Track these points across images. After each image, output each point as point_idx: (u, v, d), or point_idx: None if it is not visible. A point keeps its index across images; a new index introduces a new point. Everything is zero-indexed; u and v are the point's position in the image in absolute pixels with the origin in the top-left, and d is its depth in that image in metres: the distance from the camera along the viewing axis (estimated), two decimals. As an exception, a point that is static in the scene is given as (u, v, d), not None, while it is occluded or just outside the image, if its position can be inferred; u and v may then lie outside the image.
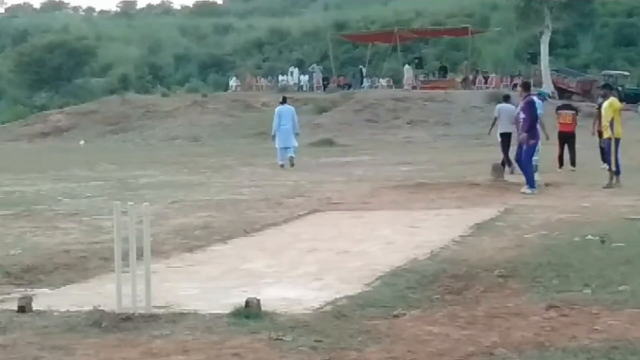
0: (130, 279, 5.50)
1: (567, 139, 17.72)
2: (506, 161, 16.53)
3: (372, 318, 5.23)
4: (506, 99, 18.01)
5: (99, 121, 41.73)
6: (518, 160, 13.88)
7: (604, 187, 13.25)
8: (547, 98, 15.19)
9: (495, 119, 17.42)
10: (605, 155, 16.68)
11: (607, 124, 13.72)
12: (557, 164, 17.39)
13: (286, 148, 20.30)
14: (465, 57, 49.98)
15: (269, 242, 8.78)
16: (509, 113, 16.37)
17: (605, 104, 14.06)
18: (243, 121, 37.47)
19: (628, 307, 5.35)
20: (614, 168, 13.56)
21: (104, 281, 6.61)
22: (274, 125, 20.68)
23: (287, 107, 21.13)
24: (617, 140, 13.70)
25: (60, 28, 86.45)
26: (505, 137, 16.86)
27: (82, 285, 6.67)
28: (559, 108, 19.31)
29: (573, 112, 18.64)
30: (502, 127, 17.09)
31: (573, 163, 17.44)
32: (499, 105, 17.74)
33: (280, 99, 22.38)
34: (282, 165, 20.02)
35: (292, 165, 19.95)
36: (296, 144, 20.75)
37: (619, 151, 13.69)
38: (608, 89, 15.74)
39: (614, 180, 13.47)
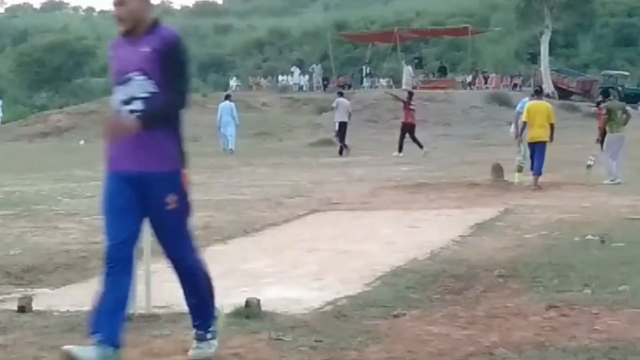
0: (130, 279, 5.48)
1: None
2: (343, 146, 23.41)
3: (372, 318, 5.23)
4: (227, 97, 26.43)
5: (99, 121, 41.46)
6: None
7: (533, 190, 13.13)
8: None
9: (333, 108, 24.37)
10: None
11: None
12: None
13: (225, 135, 25.87)
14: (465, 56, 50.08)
15: (269, 242, 8.77)
16: (344, 105, 24.15)
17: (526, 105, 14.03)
18: (243, 121, 37.35)
19: (628, 307, 5.35)
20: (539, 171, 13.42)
21: (104, 281, 6.59)
22: (217, 118, 26.56)
23: (228, 104, 26.57)
24: (532, 145, 13.56)
25: (60, 28, 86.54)
26: (342, 125, 23.77)
27: (82, 285, 6.65)
28: (599, 103, 20.32)
29: None
30: (338, 117, 23.89)
31: None
32: (337, 99, 24.58)
33: (224, 97, 27.80)
34: (224, 150, 25.34)
35: (231, 153, 24.88)
36: (233, 134, 26.05)
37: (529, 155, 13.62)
38: (539, 90, 15.45)
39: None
